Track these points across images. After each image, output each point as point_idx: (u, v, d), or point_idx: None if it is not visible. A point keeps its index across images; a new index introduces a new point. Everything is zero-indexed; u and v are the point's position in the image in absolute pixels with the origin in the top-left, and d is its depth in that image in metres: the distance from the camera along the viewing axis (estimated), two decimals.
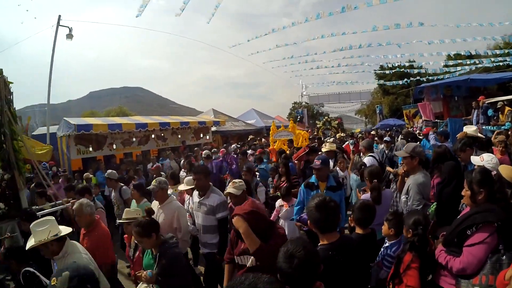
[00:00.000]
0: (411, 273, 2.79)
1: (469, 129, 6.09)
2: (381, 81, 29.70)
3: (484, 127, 11.57)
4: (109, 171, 7.79)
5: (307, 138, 14.92)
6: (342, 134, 19.44)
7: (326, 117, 26.96)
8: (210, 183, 4.82)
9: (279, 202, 5.83)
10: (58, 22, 16.70)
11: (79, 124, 12.48)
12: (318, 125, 25.71)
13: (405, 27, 13.79)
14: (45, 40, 16.83)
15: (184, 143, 16.64)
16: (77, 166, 13.44)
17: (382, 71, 31.01)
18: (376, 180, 4.47)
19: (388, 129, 22.90)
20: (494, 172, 3.44)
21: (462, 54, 20.89)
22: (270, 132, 14.72)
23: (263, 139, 19.30)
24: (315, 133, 23.24)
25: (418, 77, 21.81)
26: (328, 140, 13.28)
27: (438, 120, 17.41)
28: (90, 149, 13.55)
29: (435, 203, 4.11)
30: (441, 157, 4.78)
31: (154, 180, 4.91)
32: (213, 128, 20.76)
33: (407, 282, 2.78)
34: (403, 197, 4.13)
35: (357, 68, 24.34)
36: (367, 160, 6.79)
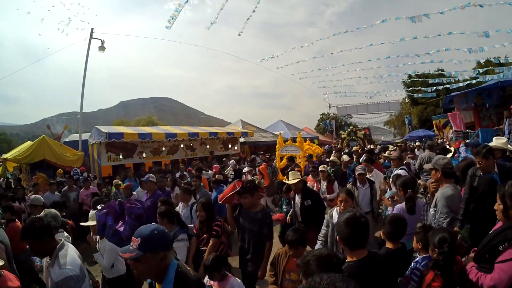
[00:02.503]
0: None
1: (499, 141, 5.65)
2: (410, 89, 28.84)
3: None
4: (33, 196, 6.61)
5: (321, 153, 13.38)
6: (357, 148, 16.95)
7: (351, 127, 25.84)
8: (63, 239, 3.26)
9: (206, 279, 3.97)
10: (91, 35, 17.44)
11: (110, 132, 12.86)
12: (342, 136, 24.67)
13: (433, 35, 13.48)
14: (79, 50, 17.45)
15: (212, 153, 16.77)
16: (107, 173, 13.80)
17: (410, 80, 30.27)
18: (410, 190, 4.45)
19: (417, 140, 22.26)
20: None
21: (492, 60, 20.23)
22: (277, 147, 13.49)
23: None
24: (339, 145, 22.48)
25: (448, 85, 21.23)
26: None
27: (469, 131, 16.92)
28: (121, 156, 13.87)
29: (468, 225, 3.90)
30: (468, 168, 4.61)
31: (43, 210, 3.83)
32: (241, 139, 20.84)
33: None
34: (431, 210, 4.06)
35: (385, 79, 23.90)
36: (401, 172, 6.70)
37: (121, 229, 4.62)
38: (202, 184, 8.28)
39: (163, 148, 15.75)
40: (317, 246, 4.27)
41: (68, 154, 13.29)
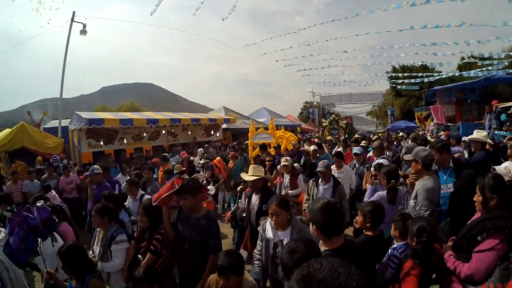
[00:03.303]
0: (410, 279, 2.78)
1: (479, 134, 5.96)
2: (393, 81, 29.09)
3: (496, 132, 11.50)
4: None
5: (295, 141, 12.57)
6: (331, 137, 15.34)
7: (333, 116, 24.26)
8: None
9: None
10: (72, 18, 16.99)
11: (90, 118, 12.63)
12: (324, 124, 23.43)
13: (419, 28, 13.69)
14: (59, 35, 17.14)
15: (194, 140, 16.72)
16: (87, 160, 13.64)
17: (395, 74, 30.50)
18: (393, 181, 4.41)
19: (398, 131, 22.56)
20: (507, 178, 3.37)
21: (477, 56, 20.62)
22: (249, 135, 12.54)
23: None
24: (320, 134, 22.46)
25: (431, 78, 21.51)
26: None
27: (450, 124, 17.33)
28: (101, 143, 13.72)
29: (448, 218, 4.02)
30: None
31: None
32: (224, 126, 20.91)
33: None
34: (411, 202, 4.04)
35: (369, 69, 24.20)
36: (383, 161, 6.48)
37: (11, 240, 4.11)
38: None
39: (144, 134, 15.62)
40: (253, 269, 3.55)
41: (47, 141, 13.09)
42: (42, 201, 5.14)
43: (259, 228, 3.68)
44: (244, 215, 5.26)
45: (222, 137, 20.51)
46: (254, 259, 3.63)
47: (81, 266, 3.13)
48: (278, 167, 7.40)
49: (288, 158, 7.18)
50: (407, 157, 4.53)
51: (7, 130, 13.03)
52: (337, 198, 5.31)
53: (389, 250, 3.26)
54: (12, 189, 8.53)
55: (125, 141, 14.71)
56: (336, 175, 6.28)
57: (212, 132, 19.41)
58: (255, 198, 4.90)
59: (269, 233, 3.43)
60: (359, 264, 2.33)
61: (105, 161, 11.49)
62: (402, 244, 3.17)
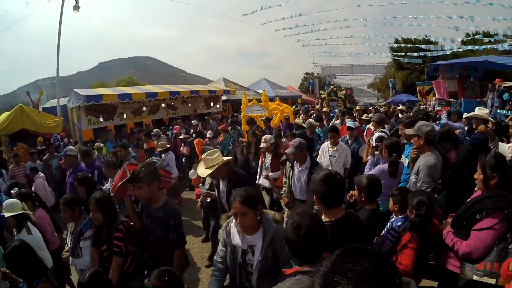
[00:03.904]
0: (407, 252, 2.81)
1: (481, 111, 5.90)
2: (396, 53, 28.76)
3: (498, 111, 11.43)
4: None
5: (291, 114, 11.78)
6: (325, 109, 13.57)
7: (331, 87, 23.25)
8: None
9: None
10: None
11: (88, 95, 12.56)
12: (322, 96, 22.60)
13: (424, 1, 13.39)
14: (52, 13, 16.73)
15: (194, 112, 16.68)
16: (88, 137, 13.59)
17: (397, 45, 29.93)
18: (395, 154, 4.32)
19: (400, 104, 22.33)
20: (508, 158, 3.34)
21: (482, 32, 20.23)
22: (242, 107, 12.19)
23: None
24: (319, 106, 22.21)
25: (434, 52, 21.24)
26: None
27: (452, 100, 17.24)
28: (101, 119, 13.71)
29: (444, 192, 4.00)
30: (444, 137, 4.72)
31: None
32: (224, 97, 20.77)
33: (400, 260, 2.82)
34: (412, 178, 3.98)
35: (371, 41, 23.75)
36: (382, 134, 6.00)
37: None
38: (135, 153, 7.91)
39: (144, 108, 15.57)
40: (212, 279, 2.87)
41: (47, 120, 13.04)
42: (16, 188, 5.15)
43: (221, 231, 2.92)
44: (208, 200, 4.83)
45: (222, 108, 20.42)
46: (214, 268, 2.93)
47: (28, 269, 2.81)
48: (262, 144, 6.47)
49: (268, 137, 6.30)
50: (409, 131, 4.38)
51: (6, 113, 12.96)
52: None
53: (388, 224, 3.30)
54: (15, 172, 8.58)
55: (124, 116, 14.68)
56: (330, 154, 5.88)
57: (212, 104, 19.28)
58: (222, 185, 4.24)
59: (236, 239, 2.68)
60: (358, 236, 2.35)
61: (106, 136, 11.47)
62: (400, 218, 3.21)
